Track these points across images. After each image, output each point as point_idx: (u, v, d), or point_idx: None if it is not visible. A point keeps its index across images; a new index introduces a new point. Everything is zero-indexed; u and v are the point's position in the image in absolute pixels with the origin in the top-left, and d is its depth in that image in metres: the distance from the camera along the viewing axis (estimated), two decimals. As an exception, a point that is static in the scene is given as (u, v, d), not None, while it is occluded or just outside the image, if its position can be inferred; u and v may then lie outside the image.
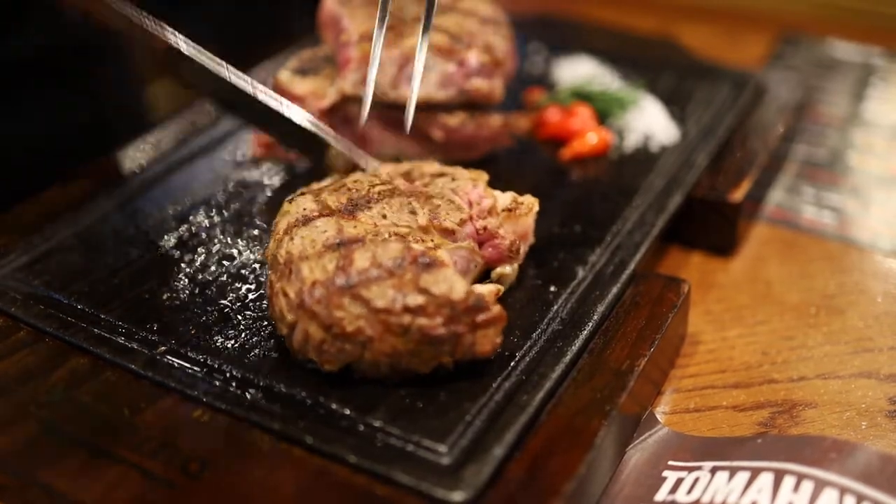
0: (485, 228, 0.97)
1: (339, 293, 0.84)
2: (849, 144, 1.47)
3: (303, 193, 0.98)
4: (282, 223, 0.94)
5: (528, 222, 1.02)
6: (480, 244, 0.98)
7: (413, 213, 0.94)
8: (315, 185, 1.01)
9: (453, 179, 1.01)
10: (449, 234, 0.94)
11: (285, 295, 0.87)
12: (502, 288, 0.95)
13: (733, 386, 1.01)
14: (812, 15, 2.04)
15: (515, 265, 1.01)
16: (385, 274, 0.85)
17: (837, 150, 1.46)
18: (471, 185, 1.00)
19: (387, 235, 0.89)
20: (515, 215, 1.00)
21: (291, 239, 0.90)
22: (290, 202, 0.97)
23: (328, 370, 0.87)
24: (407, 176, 1.02)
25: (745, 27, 1.88)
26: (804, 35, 1.82)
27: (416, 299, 0.84)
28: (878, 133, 1.50)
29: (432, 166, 1.04)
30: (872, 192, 1.35)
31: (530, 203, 1.02)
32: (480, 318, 0.86)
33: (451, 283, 0.85)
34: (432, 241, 0.92)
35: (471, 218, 0.97)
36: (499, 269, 1.00)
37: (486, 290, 0.90)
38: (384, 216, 0.94)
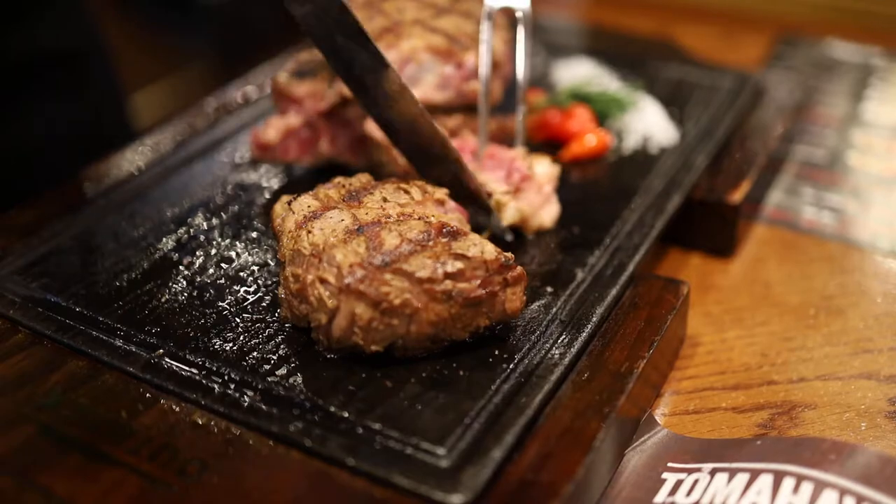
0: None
1: (381, 270, 0.87)
2: (848, 145, 1.47)
3: (296, 196, 0.99)
4: (289, 222, 0.95)
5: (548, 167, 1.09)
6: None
7: (407, 192, 0.98)
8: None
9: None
10: (440, 204, 0.99)
11: (323, 282, 0.88)
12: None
13: (733, 387, 1.01)
14: (810, 16, 2.04)
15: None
16: (418, 248, 0.88)
17: (837, 150, 1.46)
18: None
19: (396, 216, 0.93)
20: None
21: (310, 232, 0.91)
22: (290, 204, 0.97)
23: (373, 351, 0.89)
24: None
25: (744, 28, 1.88)
26: (803, 36, 1.82)
27: (455, 265, 0.88)
28: (878, 133, 1.50)
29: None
30: (872, 192, 1.35)
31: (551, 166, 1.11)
32: (510, 275, 0.90)
33: (482, 246, 0.90)
34: (433, 216, 0.95)
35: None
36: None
37: (499, 249, 0.92)
38: (385, 199, 0.96)
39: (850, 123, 1.53)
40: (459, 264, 0.88)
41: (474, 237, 0.90)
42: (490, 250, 0.89)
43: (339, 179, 1.01)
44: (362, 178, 1.02)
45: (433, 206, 0.98)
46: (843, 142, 1.48)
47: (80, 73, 1.56)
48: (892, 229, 1.26)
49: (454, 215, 0.99)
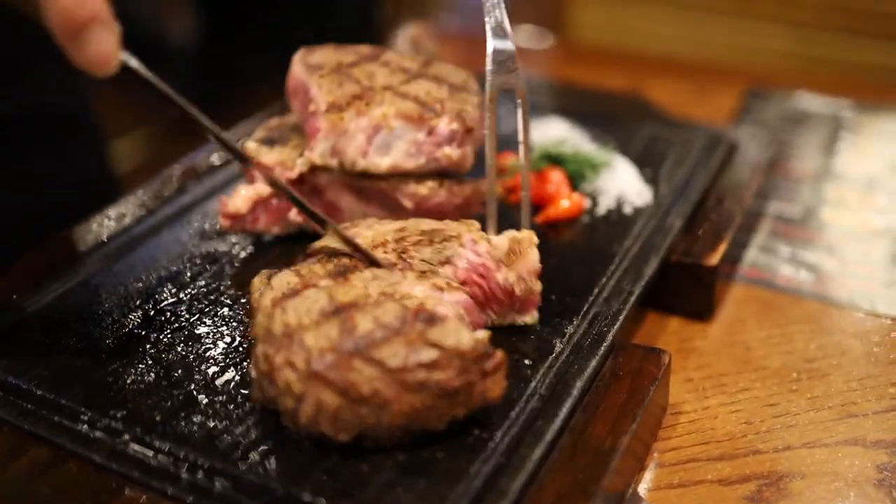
0: (489, 288, 1.00)
1: (350, 357, 0.83)
2: (822, 200, 1.47)
3: (277, 271, 0.96)
4: (266, 298, 0.92)
5: (532, 257, 1.01)
6: (490, 300, 1.01)
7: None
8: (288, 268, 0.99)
9: (442, 241, 1.00)
10: (437, 289, 0.94)
11: (291, 365, 0.84)
12: (489, 332, 0.91)
13: (717, 458, 0.99)
14: (780, 66, 2.06)
15: (534, 312, 1.03)
16: (391, 333, 0.84)
17: (811, 205, 1.45)
18: (462, 249, 1.00)
19: (377, 297, 0.89)
20: (520, 254, 1.00)
21: (283, 311, 0.88)
22: (270, 279, 0.95)
23: (342, 441, 0.85)
24: (399, 234, 1.02)
25: (714, 81, 1.90)
26: (773, 88, 1.83)
27: (428, 354, 0.83)
28: (850, 186, 1.50)
29: (424, 223, 1.05)
30: (847, 248, 1.34)
31: (528, 236, 1.02)
32: (489, 364, 0.86)
33: (459, 334, 0.85)
34: (416, 297, 0.91)
35: (472, 281, 1.00)
36: (518, 320, 1.02)
37: (485, 335, 0.88)
38: (375, 276, 0.93)
39: (822, 177, 1.53)
40: (434, 353, 0.84)
41: (452, 324, 0.86)
42: (467, 339, 0.85)
43: (323, 253, 0.98)
44: (351, 258, 0.98)
45: (429, 287, 0.93)
46: (816, 196, 1.47)
47: (64, 128, 1.54)
48: (869, 286, 1.26)
49: (454, 296, 0.94)
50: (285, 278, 0.94)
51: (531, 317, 1.03)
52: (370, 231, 1.03)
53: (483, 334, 0.87)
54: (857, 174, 1.53)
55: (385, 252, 1.00)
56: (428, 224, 1.04)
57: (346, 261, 0.97)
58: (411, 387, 0.83)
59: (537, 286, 1.02)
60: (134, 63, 0.85)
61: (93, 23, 0.78)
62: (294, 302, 0.89)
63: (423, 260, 0.98)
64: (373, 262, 0.98)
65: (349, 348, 0.83)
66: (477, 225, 1.04)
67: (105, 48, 0.79)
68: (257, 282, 0.97)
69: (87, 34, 0.78)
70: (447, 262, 0.99)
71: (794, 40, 2.07)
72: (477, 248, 1.00)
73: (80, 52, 0.79)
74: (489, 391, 0.87)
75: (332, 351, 0.83)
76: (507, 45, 1.08)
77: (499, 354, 0.87)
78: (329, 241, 1.01)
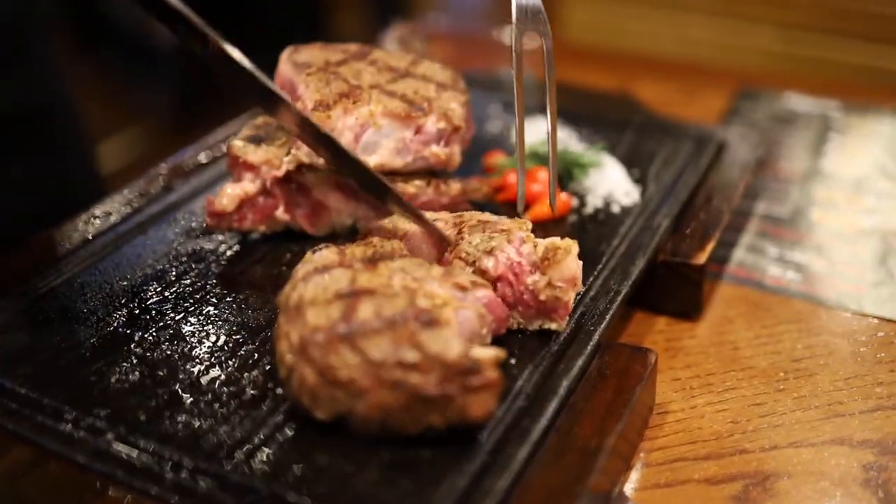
0: (518, 289, 1.00)
1: (338, 340, 0.84)
2: (810, 200, 1.47)
3: (325, 246, 0.98)
4: (301, 269, 0.94)
5: (571, 265, 1.00)
6: (518, 301, 1.00)
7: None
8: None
9: (490, 237, 1.01)
10: (460, 289, 0.93)
11: (288, 338, 0.87)
12: (504, 353, 0.89)
13: (704, 458, 0.98)
14: (770, 67, 2.06)
15: (561, 321, 1.01)
16: (385, 327, 0.84)
17: (799, 205, 1.45)
18: (508, 244, 1.00)
19: (397, 289, 0.89)
20: (555, 261, 0.99)
21: (306, 285, 0.90)
22: (314, 252, 0.96)
23: (320, 418, 0.86)
24: (458, 219, 1.05)
25: (705, 81, 1.89)
26: (762, 89, 1.83)
27: (409, 355, 0.83)
28: (839, 187, 1.50)
29: (482, 215, 1.06)
30: (835, 248, 1.34)
31: (567, 245, 1.01)
32: (474, 381, 0.84)
33: (447, 343, 0.84)
34: (430, 297, 0.89)
35: (506, 279, 0.99)
36: (545, 325, 1.01)
37: (487, 353, 0.86)
38: (403, 269, 0.92)
39: (810, 177, 1.53)
40: (416, 355, 0.83)
41: (447, 333, 0.84)
42: (454, 350, 0.83)
43: (375, 239, 1.00)
44: (395, 244, 1.00)
45: (452, 287, 0.92)
46: (804, 196, 1.47)
47: (47, 129, 1.53)
48: (857, 287, 1.26)
49: (478, 293, 0.94)
50: (326, 254, 0.95)
51: (557, 324, 1.01)
52: (429, 214, 1.05)
53: (485, 352, 0.85)
54: (845, 175, 1.54)
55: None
56: (485, 216, 1.06)
57: (388, 248, 0.98)
58: (386, 383, 0.83)
59: (567, 295, 0.99)
60: None
61: None
62: (319, 278, 0.91)
63: (472, 244, 1.00)
64: (434, 232, 1.01)
65: (340, 332, 0.84)
66: (529, 225, 1.03)
67: None
68: (309, 253, 0.98)
69: None
70: (491, 252, 0.99)
71: (783, 41, 2.08)
72: (521, 247, 1.01)
73: None
74: (470, 408, 0.84)
75: (324, 331, 0.85)
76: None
77: (489, 375, 0.84)
78: (397, 220, 1.04)
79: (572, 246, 1.00)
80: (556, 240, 1.01)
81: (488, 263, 0.98)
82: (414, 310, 0.86)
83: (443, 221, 1.05)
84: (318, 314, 0.86)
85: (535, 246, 1.01)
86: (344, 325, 0.85)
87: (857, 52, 1.99)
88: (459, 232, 1.02)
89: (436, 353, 0.83)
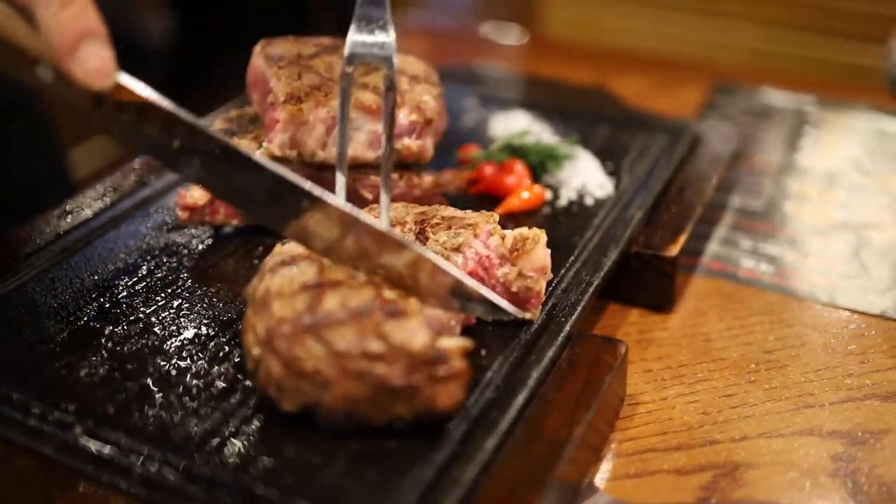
0: (489, 282, 1.00)
1: (303, 332, 0.84)
2: (784, 193, 1.47)
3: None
4: (269, 262, 0.94)
5: (540, 255, 1.00)
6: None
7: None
8: None
9: (460, 229, 1.00)
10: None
11: (255, 330, 0.87)
12: (471, 343, 0.89)
13: (674, 448, 0.99)
14: (746, 62, 2.08)
15: (535, 311, 1.01)
16: (350, 317, 0.84)
17: (773, 199, 1.46)
18: (475, 239, 0.99)
19: (364, 281, 0.89)
20: (524, 251, 1.00)
21: (272, 276, 0.90)
22: (283, 244, 0.96)
23: (287, 410, 0.86)
24: (420, 217, 1.03)
25: (682, 76, 1.90)
26: (738, 84, 1.84)
27: (374, 345, 0.83)
28: (812, 181, 1.50)
29: (446, 210, 1.05)
30: (808, 241, 1.35)
31: (535, 235, 1.01)
32: (440, 371, 0.84)
33: (412, 334, 0.84)
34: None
35: (476, 273, 0.99)
36: (518, 315, 1.00)
37: (453, 343, 0.86)
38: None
39: (785, 171, 1.53)
40: (381, 346, 0.83)
41: (412, 324, 0.84)
42: (419, 340, 0.83)
43: None
44: (441, 211, 1.01)
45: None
46: (778, 190, 1.48)
47: (13, 129, 1.52)
48: (829, 279, 1.26)
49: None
50: (294, 246, 0.95)
51: (531, 313, 1.01)
52: (392, 213, 1.04)
53: (451, 342, 0.85)
54: (818, 169, 1.54)
55: (403, 231, 1.01)
56: (450, 211, 1.05)
57: None
58: (351, 374, 0.83)
59: (538, 285, 1.01)
60: (128, 79, 0.84)
61: (90, 36, 0.79)
62: (286, 270, 0.90)
63: (439, 242, 0.99)
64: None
65: (305, 323, 0.84)
66: (496, 217, 1.03)
67: (103, 62, 0.80)
68: (278, 245, 0.98)
69: (85, 47, 0.79)
70: (458, 249, 0.98)
71: (759, 37, 2.09)
72: (488, 240, 1.01)
73: (78, 66, 0.79)
74: (437, 399, 0.84)
75: (289, 322, 0.85)
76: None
77: (456, 364, 0.84)
78: None
79: (540, 235, 1.01)
80: (523, 230, 1.02)
81: (457, 260, 0.98)
82: (380, 301, 0.86)
83: (400, 226, 1.01)
84: (284, 306, 0.86)
85: (503, 238, 1.01)
86: (309, 316, 0.85)
87: (836, 49, 2.01)
88: (423, 231, 1.01)
89: (400, 343, 0.83)
